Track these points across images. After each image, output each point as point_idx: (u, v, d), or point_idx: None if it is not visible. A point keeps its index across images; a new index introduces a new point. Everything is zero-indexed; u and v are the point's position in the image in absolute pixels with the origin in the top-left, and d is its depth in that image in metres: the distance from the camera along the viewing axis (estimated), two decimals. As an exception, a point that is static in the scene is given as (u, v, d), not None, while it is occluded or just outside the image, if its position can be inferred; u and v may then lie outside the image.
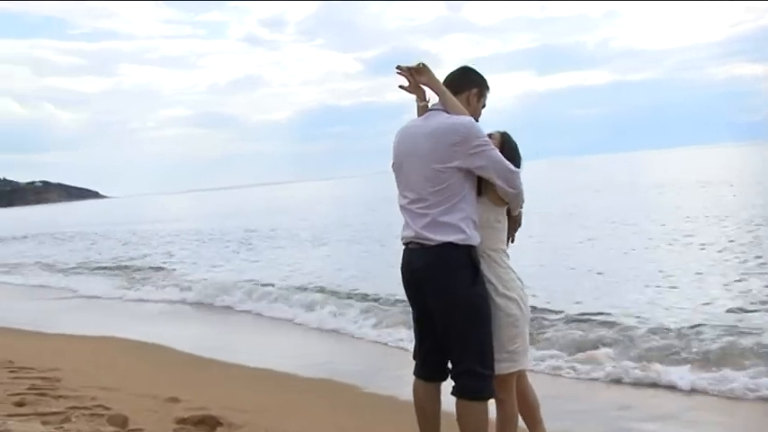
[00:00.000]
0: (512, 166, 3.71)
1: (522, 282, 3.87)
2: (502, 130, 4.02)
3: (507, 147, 3.91)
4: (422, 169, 3.67)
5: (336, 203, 55.20)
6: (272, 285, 13.47)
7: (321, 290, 12.43)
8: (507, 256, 3.88)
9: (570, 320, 8.69)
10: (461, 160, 3.60)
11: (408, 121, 3.93)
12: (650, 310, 9.01)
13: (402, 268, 3.84)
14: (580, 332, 8.09)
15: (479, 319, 3.65)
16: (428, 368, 3.90)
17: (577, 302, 9.77)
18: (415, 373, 3.98)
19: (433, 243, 3.62)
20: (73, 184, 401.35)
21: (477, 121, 3.82)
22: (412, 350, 4.01)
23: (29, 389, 6.02)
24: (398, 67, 3.84)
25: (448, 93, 3.77)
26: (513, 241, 4.02)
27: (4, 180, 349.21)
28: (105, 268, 20.32)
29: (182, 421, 5.09)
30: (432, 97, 3.86)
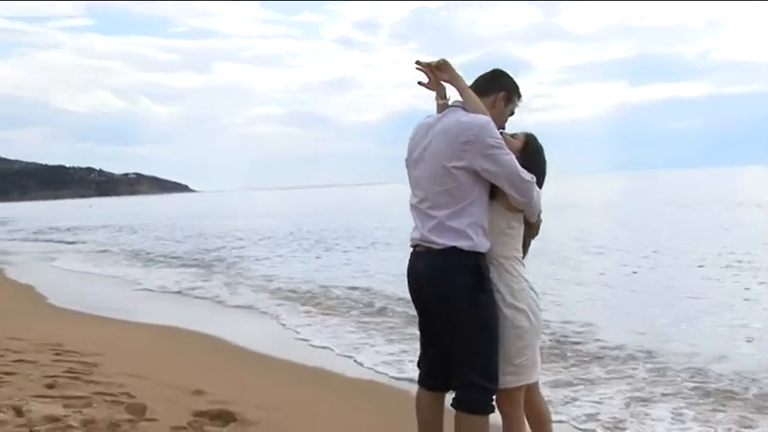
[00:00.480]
0: (525, 175, 3.49)
1: (535, 292, 3.67)
2: (528, 131, 3.81)
3: (530, 149, 3.72)
4: (431, 167, 3.52)
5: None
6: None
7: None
8: (521, 264, 3.67)
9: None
10: (470, 161, 3.42)
11: (425, 117, 3.78)
12: (686, 341, 8.32)
13: (408, 272, 3.72)
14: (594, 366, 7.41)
15: (484, 329, 3.47)
16: (432, 377, 3.77)
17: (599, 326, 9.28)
18: (419, 382, 3.87)
19: (438, 247, 3.47)
20: (165, 177, 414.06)
21: (502, 127, 3.68)
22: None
23: (65, 372, 6.23)
24: (418, 63, 3.69)
25: (469, 90, 3.61)
26: (527, 248, 3.79)
27: (101, 171, 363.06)
28: (180, 260, 20.87)
29: (199, 414, 5.15)
30: (453, 96, 3.72)
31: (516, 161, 3.49)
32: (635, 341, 8.34)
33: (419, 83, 3.71)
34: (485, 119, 3.48)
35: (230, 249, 23.77)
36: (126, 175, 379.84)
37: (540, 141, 3.80)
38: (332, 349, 8.65)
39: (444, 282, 3.47)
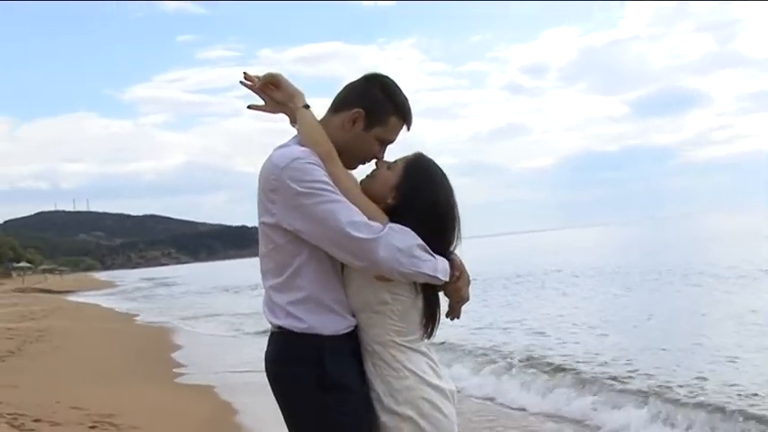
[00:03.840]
0: (355, 230, 2.40)
1: (437, 388, 2.58)
2: (417, 151, 2.67)
3: (408, 182, 2.58)
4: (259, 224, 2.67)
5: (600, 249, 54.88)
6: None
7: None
8: (409, 351, 2.60)
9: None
10: (280, 216, 2.49)
11: None
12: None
13: None
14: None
15: None
16: None
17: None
18: None
19: (273, 329, 2.63)
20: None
21: (372, 158, 2.64)
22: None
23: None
24: (245, 75, 2.75)
25: (303, 111, 2.65)
26: (454, 317, 2.72)
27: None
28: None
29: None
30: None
31: (344, 208, 2.43)
32: None
33: (249, 107, 2.78)
34: (293, 153, 2.48)
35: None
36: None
37: (434, 164, 2.63)
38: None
39: (278, 375, 2.61)
